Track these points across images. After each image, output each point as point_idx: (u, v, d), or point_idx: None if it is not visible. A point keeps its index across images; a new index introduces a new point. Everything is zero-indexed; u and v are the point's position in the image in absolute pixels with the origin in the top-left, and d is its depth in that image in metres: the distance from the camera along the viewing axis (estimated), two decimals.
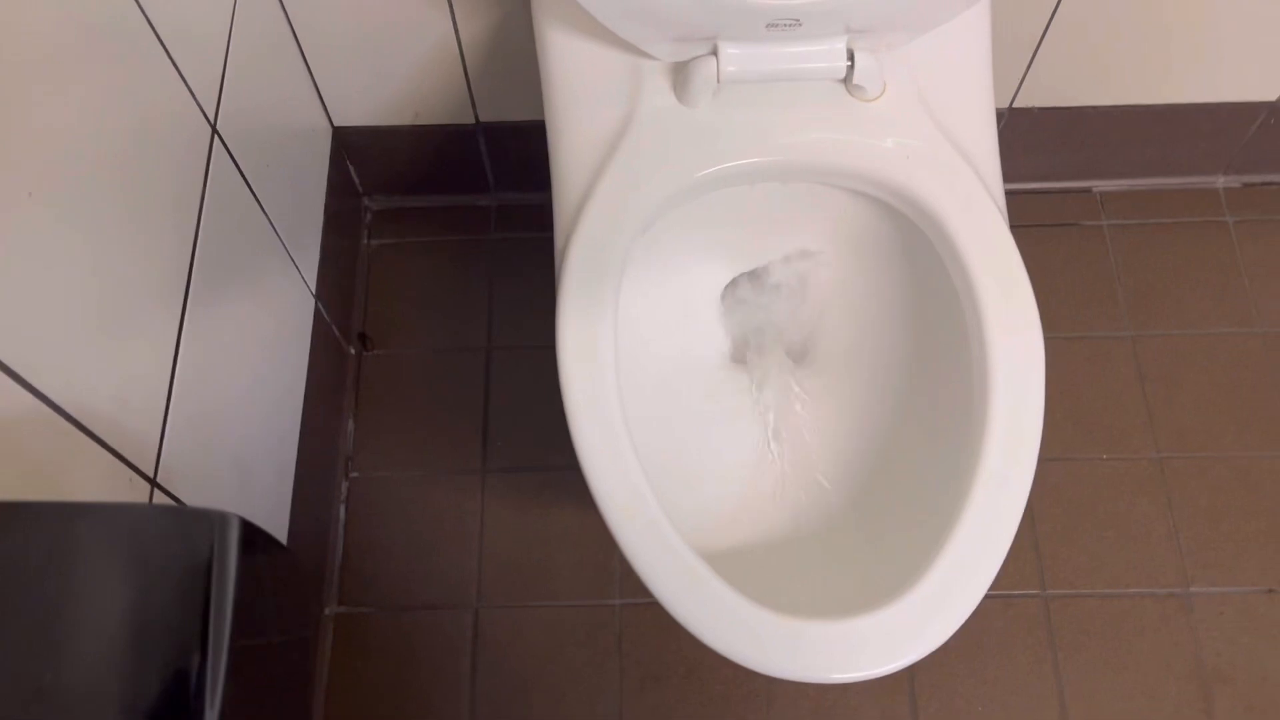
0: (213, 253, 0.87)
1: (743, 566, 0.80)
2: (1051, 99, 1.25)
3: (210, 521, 0.51)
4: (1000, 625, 1.18)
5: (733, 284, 1.02)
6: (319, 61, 1.14)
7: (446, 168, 1.34)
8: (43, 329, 0.63)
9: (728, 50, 0.84)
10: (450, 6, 1.07)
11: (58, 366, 0.64)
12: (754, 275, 1.02)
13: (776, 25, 0.81)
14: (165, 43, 0.79)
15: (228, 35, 0.92)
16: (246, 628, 0.52)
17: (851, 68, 0.85)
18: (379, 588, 1.20)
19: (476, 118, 1.24)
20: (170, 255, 0.80)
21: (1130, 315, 1.34)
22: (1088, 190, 1.41)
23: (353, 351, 1.31)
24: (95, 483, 0.68)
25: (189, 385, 0.82)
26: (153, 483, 0.76)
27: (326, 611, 1.19)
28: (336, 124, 1.24)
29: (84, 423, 0.67)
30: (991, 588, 0.75)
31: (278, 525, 1.04)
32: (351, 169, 1.33)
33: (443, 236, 1.39)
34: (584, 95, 0.90)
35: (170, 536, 0.52)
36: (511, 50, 1.13)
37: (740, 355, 1.01)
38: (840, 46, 0.85)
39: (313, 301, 1.16)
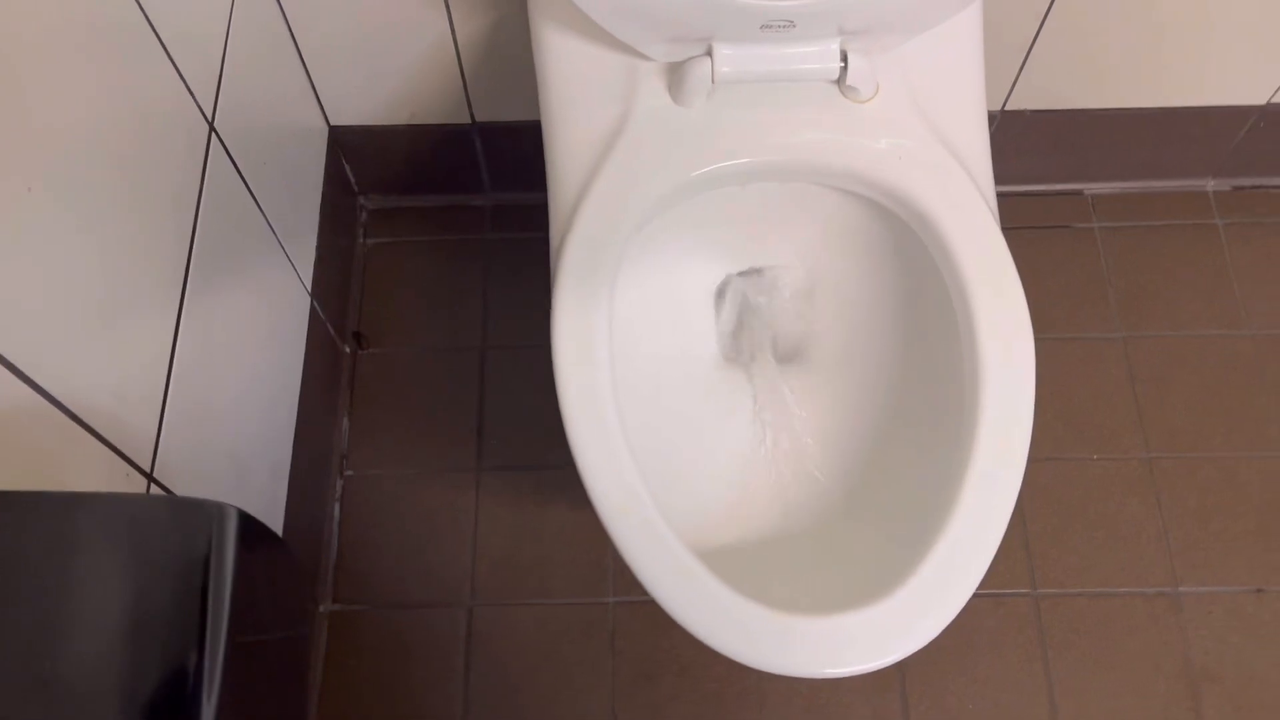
0: (210, 250, 0.87)
1: (736, 563, 0.81)
2: (1043, 102, 1.25)
3: (208, 513, 0.52)
4: (991, 624, 1.19)
5: (727, 283, 1.02)
6: (316, 61, 1.15)
7: (442, 167, 1.34)
8: (41, 324, 0.64)
9: (722, 51, 0.85)
10: (447, 7, 1.08)
11: (56, 361, 0.65)
12: (748, 274, 1.02)
13: (771, 26, 0.82)
14: (164, 41, 0.80)
15: (225, 34, 0.93)
16: (244, 620, 0.52)
17: (845, 69, 0.86)
18: (373, 585, 1.21)
19: (472, 117, 1.25)
20: (168, 252, 0.81)
21: (1121, 317, 1.34)
22: (1079, 193, 1.42)
23: (348, 350, 1.32)
24: (92, 477, 0.68)
25: (185, 381, 0.82)
26: (149, 478, 0.76)
27: (321, 609, 1.19)
28: (333, 123, 1.25)
29: (81, 417, 0.67)
30: (982, 587, 0.76)
31: (272, 522, 1.05)
32: (347, 168, 1.33)
33: (438, 236, 1.39)
34: (579, 95, 0.90)
35: (168, 527, 0.52)
36: (507, 51, 1.14)
37: (734, 354, 1.02)
38: (834, 48, 0.85)
39: (308, 300, 1.16)
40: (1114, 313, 1.35)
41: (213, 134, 0.89)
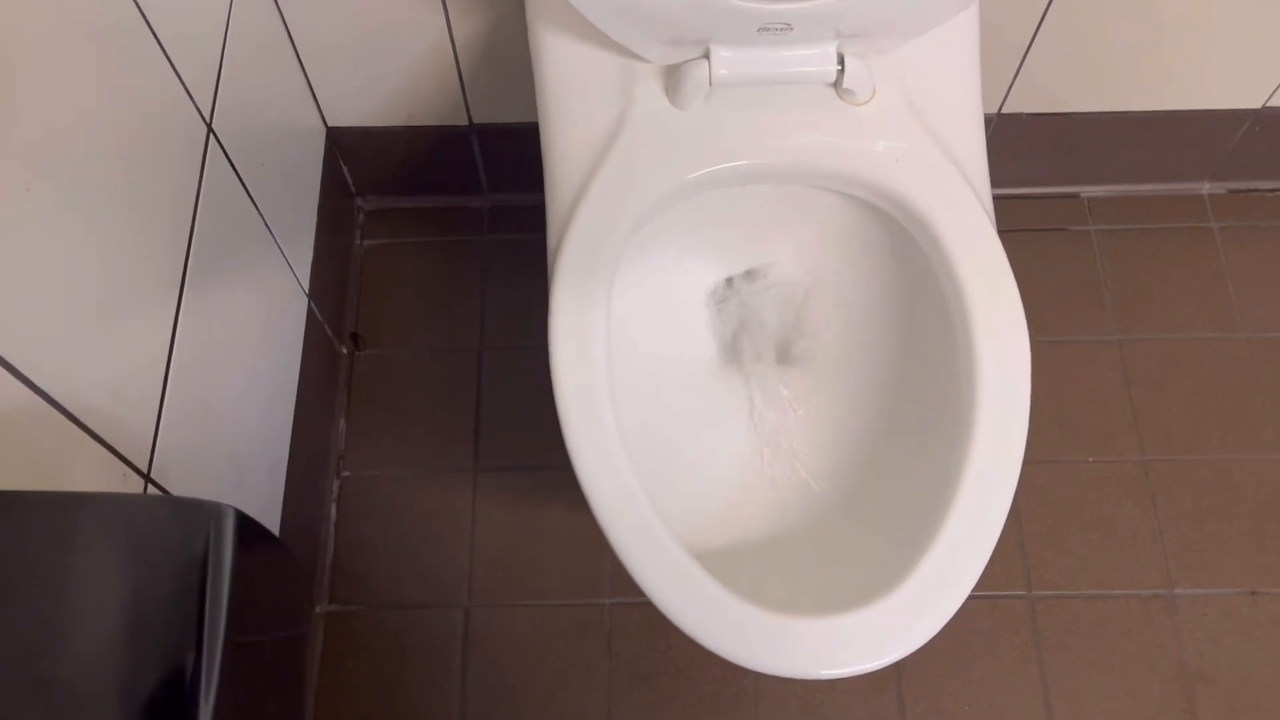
0: (207, 251, 0.87)
1: (732, 564, 0.81)
2: (1040, 105, 1.26)
3: (206, 513, 0.52)
4: (987, 626, 1.19)
5: (724, 284, 1.03)
6: (313, 62, 1.15)
7: (440, 169, 1.34)
8: (39, 324, 0.64)
9: (720, 53, 0.85)
10: (445, 9, 1.08)
11: (53, 361, 0.65)
12: (745, 276, 1.02)
13: (768, 29, 0.82)
14: (162, 42, 0.80)
15: (223, 35, 0.93)
16: (242, 620, 0.52)
17: (842, 72, 0.86)
18: (370, 586, 1.21)
19: (470, 119, 1.25)
20: (165, 252, 0.81)
21: (1116, 319, 1.35)
22: (1075, 195, 1.42)
23: (345, 351, 1.32)
24: (89, 477, 0.68)
25: (183, 382, 0.82)
26: (146, 478, 0.76)
27: (317, 609, 1.19)
28: (330, 124, 1.25)
29: (79, 417, 0.67)
30: (978, 588, 0.76)
31: (269, 523, 1.05)
32: (345, 169, 1.33)
33: (435, 237, 1.39)
34: (577, 97, 0.90)
35: (167, 527, 0.52)
36: (505, 52, 1.14)
37: (731, 355, 1.02)
38: (831, 51, 0.85)
39: (306, 301, 1.16)
40: (1109, 315, 1.35)
41: (210, 135, 0.89)
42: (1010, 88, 1.22)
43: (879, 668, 0.74)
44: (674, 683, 1.16)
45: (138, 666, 0.50)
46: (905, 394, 0.94)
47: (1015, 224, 1.37)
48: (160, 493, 0.78)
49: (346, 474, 1.26)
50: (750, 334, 1.01)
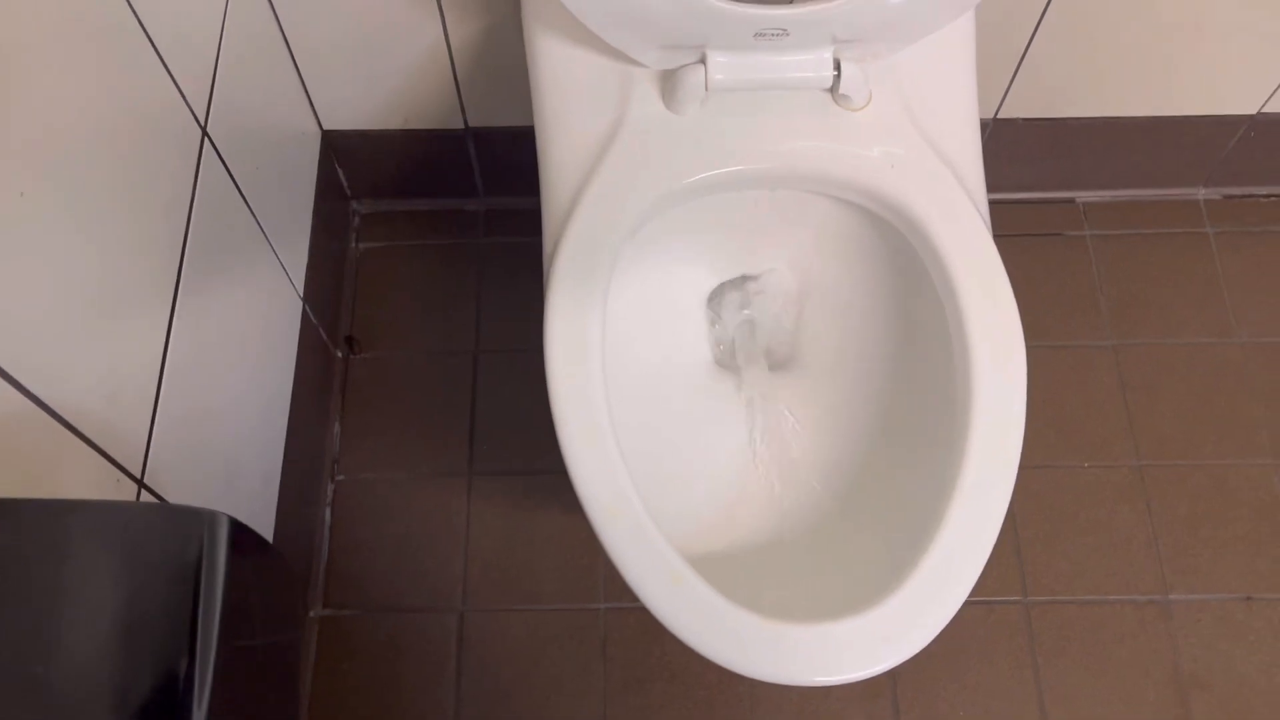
0: (202, 254, 0.87)
1: (727, 569, 0.81)
2: (1036, 110, 1.26)
3: (200, 520, 0.52)
4: (982, 631, 1.19)
5: (720, 289, 1.03)
6: (309, 65, 1.15)
7: (435, 172, 1.34)
8: (32, 328, 0.64)
9: (716, 58, 0.85)
10: (441, 12, 1.08)
11: (46, 366, 0.65)
12: (741, 281, 1.02)
13: (764, 34, 0.82)
14: (157, 45, 0.80)
15: (219, 38, 0.92)
16: (235, 627, 0.52)
17: (838, 77, 0.86)
18: (364, 590, 1.21)
19: (466, 122, 1.25)
20: (160, 256, 0.81)
21: (1112, 324, 1.35)
22: (1071, 201, 1.42)
23: (340, 354, 1.32)
24: (82, 482, 0.68)
25: (177, 386, 0.82)
26: (140, 483, 0.76)
27: (311, 614, 1.19)
28: (326, 127, 1.25)
29: (72, 422, 0.67)
30: (973, 593, 0.76)
31: (263, 527, 1.04)
32: (340, 172, 1.33)
33: (431, 240, 1.39)
34: (573, 101, 0.90)
35: (160, 535, 0.52)
36: (501, 56, 1.14)
37: (727, 360, 1.02)
38: (827, 56, 0.85)
39: (300, 304, 1.16)
40: (1105, 320, 1.35)
41: (205, 138, 0.89)
42: (1006, 93, 1.22)
43: (874, 674, 0.74)
44: (669, 688, 1.16)
45: (131, 673, 0.50)
46: (901, 399, 0.94)
47: (1011, 229, 1.37)
48: (154, 497, 0.78)
49: (341, 478, 1.26)
50: (746, 338, 1.01)
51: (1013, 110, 1.25)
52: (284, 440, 1.10)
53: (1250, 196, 1.42)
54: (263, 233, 1.03)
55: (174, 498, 0.81)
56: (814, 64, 0.86)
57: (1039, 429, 1.28)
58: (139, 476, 0.76)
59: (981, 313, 0.83)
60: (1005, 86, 1.21)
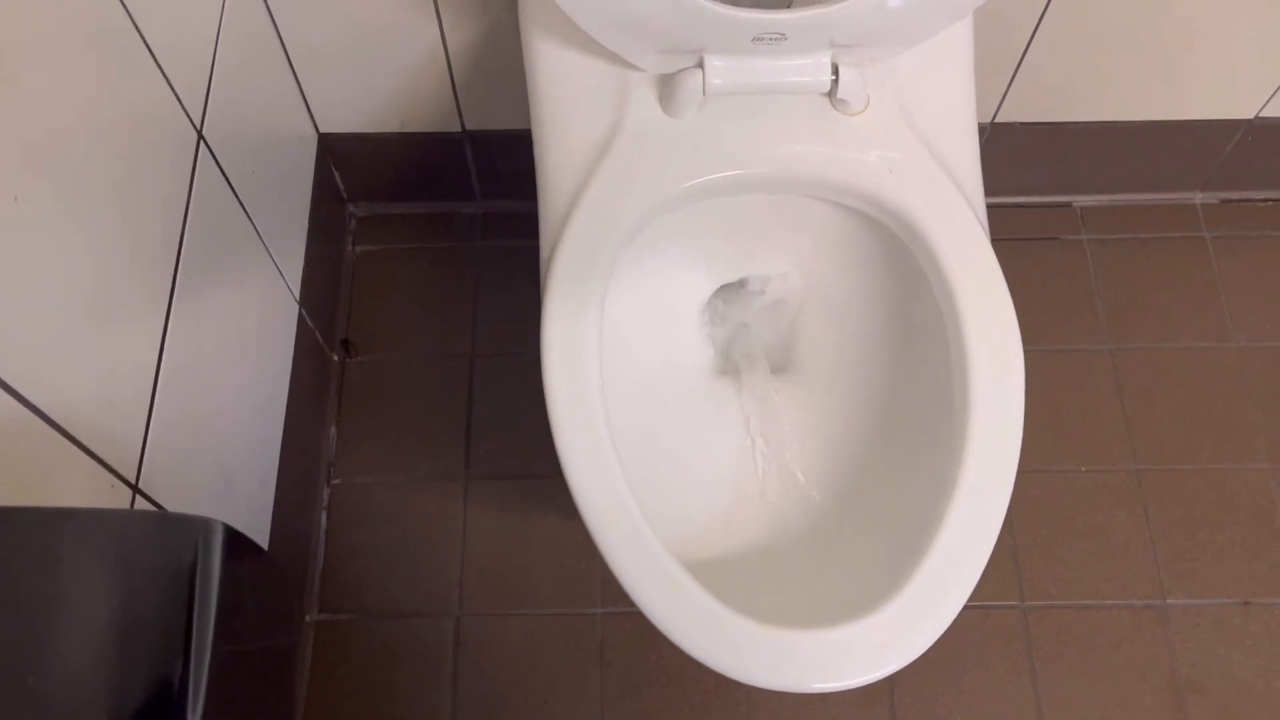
0: (197, 258, 0.87)
1: (724, 575, 0.81)
2: (1033, 114, 1.26)
3: (195, 528, 0.51)
4: (979, 636, 1.19)
5: (717, 293, 1.02)
6: (305, 68, 1.14)
7: (432, 175, 1.34)
8: (26, 333, 0.63)
9: (714, 63, 0.85)
10: (438, 15, 1.08)
11: (40, 371, 0.64)
12: (738, 285, 1.02)
13: (762, 39, 0.82)
14: (152, 48, 0.80)
15: (214, 42, 0.92)
16: (230, 634, 0.52)
17: (836, 82, 0.86)
18: (360, 595, 1.20)
19: (463, 126, 1.25)
20: (155, 260, 0.80)
21: (1109, 329, 1.35)
22: (1068, 205, 1.42)
23: (336, 358, 1.31)
24: (77, 488, 0.68)
25: (172, 390, 0.82)
26: (134, 489, 0.75)
27: (307, 618, 1.19)
28: (322, 130, 1.24)
29: (66, 427, 0.67)
30: (970, 598, 0.76)
31: (259, 531, 1.04)
32: (337, 175, 1.33)
33: (428, 243, 1.39)
34: (571, 105, 0.90)
35: (155, 542, 0.52)
36: (498, 59, 1.14)
37: (724, 364, 1.02)
38: (825, 60, 0.85)
39: (296, 307, 1.16)
40: (1102, 324, 1.35)
41: (201, 142, 0.88)
42: (1004, 97, 1.22)
43: (872, 681, 0.73)
44: (666, 692, 1.16)
45: (126, 680, 0.49)
46: (899, 404, 0.94)
47: (1009, 233, 1.37)
48: (149, 503, 0.78)
49: (337, 481, 1.26)
50: (744, 343, 1.01)
51: (1010, 114, 1.25)
52: (280, 444, 1.09)
53: (1247, 201, 1.42)
54: (259, 236, 1.03)
55: (169, 503, 0.81)
56: (812, 68, 0.85)
57: (1036, 433, 1.28)
58: (134, 482, 0.75)
59: (979, 316, 0.83)
60: (1003, 91, 1.21)
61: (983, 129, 1.26)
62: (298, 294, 1.16)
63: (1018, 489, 0.79)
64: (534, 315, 0.83)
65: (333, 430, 1.28)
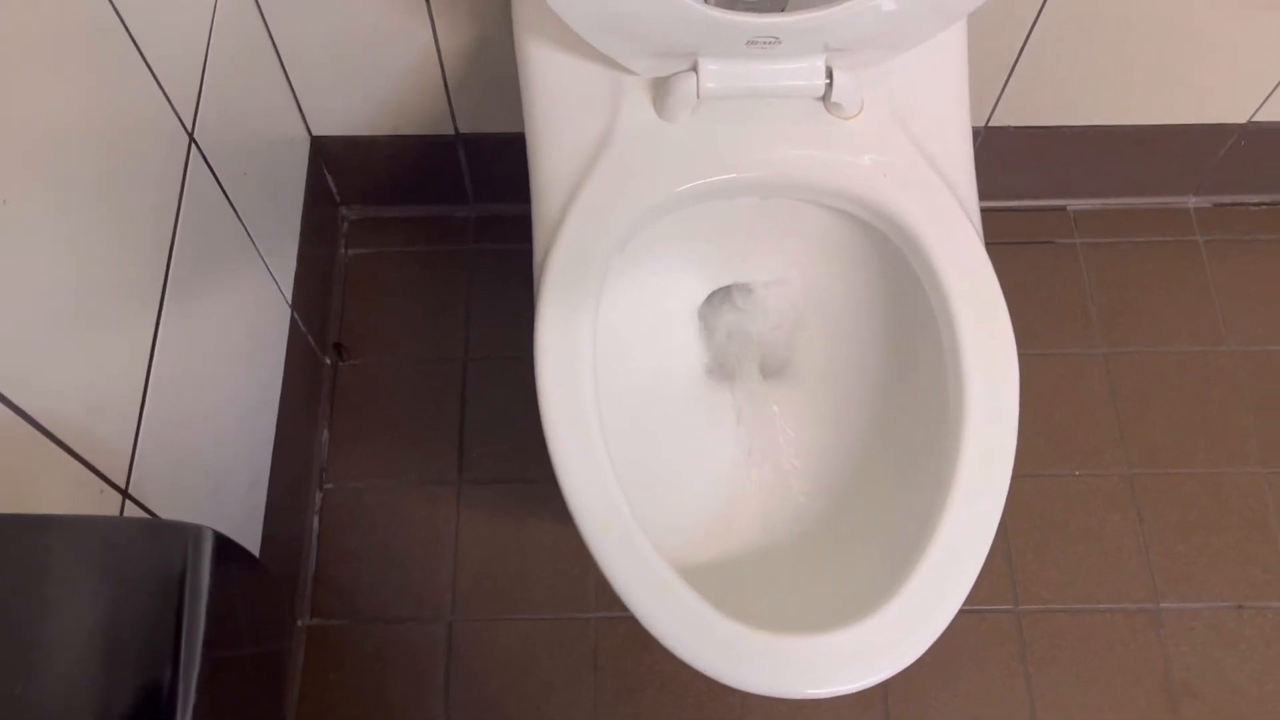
0: (188, 262, 0.86)
1: (718, 580, 0.80)
2: (1027, 118, 1.26)
3: (184, 535, 0.51)
4: (973, 640, 1.19)
5: (711, 298, 1.02)
6: (298, 71, 1.14)
7: (425, 178, 1.33)
8: (14, 336, 0.63)
9: (708, 66, 0.84)
10: (431, 18, 1.07)
11: (29, 375, 0.64)
12: (732, 289, 1.02)
13: (756, 43, 0.82)
14: (143, 51, 0.79)
15: (206, 44, 0.92)
16: (219, 642, 0.52)
17: (830, 85, 0.86)
18: (352, 599, 1.20)
19: (456, 129, 1.24)
20: (146, 264, 0.80)
21: (1103, 332, 1.35)
22: (1062, 209, 1.42)
23: (328, 362, 1.31)
24: (65, 493, 0.67)
25: (163, 395, 0.81)
26: (124, 494, 0.75)
27: (299, 623, 1.18)
28: (315, 133, 1.24)
29: (54, 432, 0.66)
30: (964, 602, 0.76)
31: (251, 536, 1.04)
32: (329, 178, 1.32)
33: (420, 247, 1.38)
34: (564, 109, 0.90)
35: (143, 550, 0.51)
36: (492, 62, 1.13)
37: (718, 369, 1.02)
38: (819, 64, 0.85)
39: (288, 311, 1.15)
40: (1096, 328, 1.35)
41: (192, 145, 0.88)
42: (998, 101, 1.22)
43: (866, 687, 0.73)
44: (659, 697, 1.16)
45: (114, 688, 0.49)
46: (893, 408, 0.94)
47: (1002, 237, 1.37)
48: (139, 508, 0.77)
49: (329, 486, 1.25)
50: (738, 347, 1.01)
51: (1004, 118, 1.25)
52: (271, 448, 1.09)
53: (1240, 205, 1.42)
54: (250, 239, 1.02)
55: (159, 508, 0.80)
56: (806, 72, 0.85)
57: (1029, 437, 1.27)
58: (123, 487, 0.75)
59: (973, 320, 0.83)
60: (997, 94, 1.21)
61: (977, 133, 1.26)
62: (290, 297, 1.15)
63: (1011, 493, 0.79)
64: (527, 319, 0.83)
65: (325, 434, 1.27)
